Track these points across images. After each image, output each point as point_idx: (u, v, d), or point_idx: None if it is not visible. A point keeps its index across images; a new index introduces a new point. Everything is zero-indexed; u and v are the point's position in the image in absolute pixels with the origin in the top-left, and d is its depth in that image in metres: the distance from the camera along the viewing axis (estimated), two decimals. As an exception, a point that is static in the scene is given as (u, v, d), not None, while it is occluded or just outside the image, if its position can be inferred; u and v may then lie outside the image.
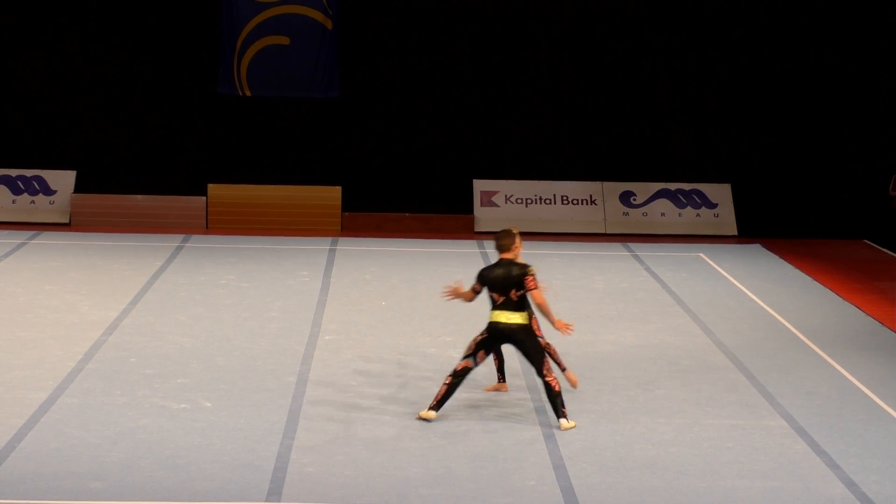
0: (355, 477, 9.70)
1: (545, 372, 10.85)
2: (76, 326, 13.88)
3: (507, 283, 10.87)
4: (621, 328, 14.47)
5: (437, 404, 10.97)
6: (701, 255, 19.12)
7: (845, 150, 21.63)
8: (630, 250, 19.47)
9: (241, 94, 21.15)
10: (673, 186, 21.49)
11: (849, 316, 15.46)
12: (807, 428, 11.06)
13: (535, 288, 10.83)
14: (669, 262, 18.48)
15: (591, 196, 21.47)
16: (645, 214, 21.34)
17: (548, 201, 21.37)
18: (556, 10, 21.54)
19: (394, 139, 21.70)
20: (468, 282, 11.27)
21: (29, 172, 21.25)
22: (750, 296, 16.32)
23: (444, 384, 10.98)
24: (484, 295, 11.07)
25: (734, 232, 21.22)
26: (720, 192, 21.49)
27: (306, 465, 9.91)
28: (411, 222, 20.93)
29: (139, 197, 21.01)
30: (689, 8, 21.52)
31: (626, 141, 21.70)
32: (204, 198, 20.97)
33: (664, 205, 21.39)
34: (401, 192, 21.47)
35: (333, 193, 21.08)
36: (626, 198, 21.44)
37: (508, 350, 11.60)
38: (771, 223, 21.25)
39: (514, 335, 10.88)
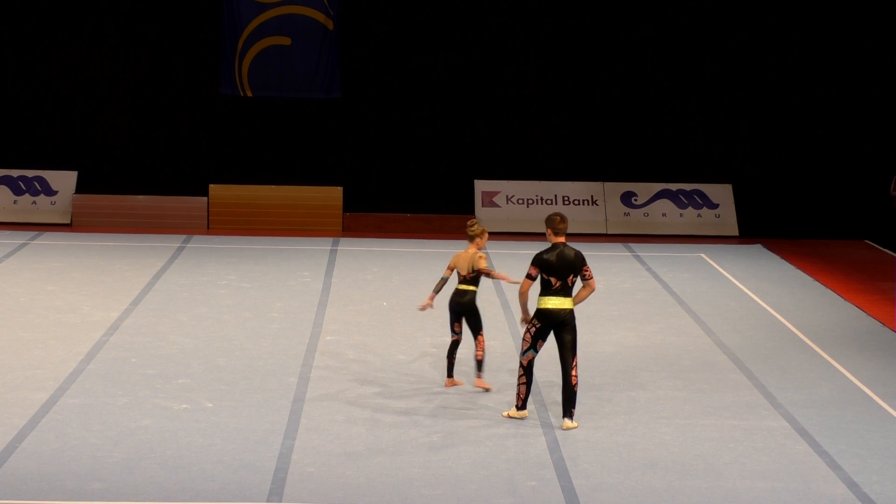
0: (356, 477, 9.70)
1: (574, 365, 10.85)
2: (78, 327, 13.88)
3: (568, 268, 10.86)
4: (623, 328, 14.47)
5: (524, 403, 11.05)
6: (702, 255, 19.12)
7: (846, 151, 21.63)
8: (631, 250, 19.47)
9: (242, 94, 21.16)
10: (674, 187, 21.49)
11: (850, 316, 15.46)
12: (808, 428, 11.06)
13: (592, 276, 10.93)
14: (671, 262, 18.48)
15: (592, 196, 21.47)
16: (646, 215, 21.35)
17: (549, 202, 21.37)
18: (558, 10, 21.54)
19: (395, 140, 21.70)
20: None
21: (30, 173, 21.26)
22: (751, 296, 16.32)
23: (521, 383, 10.98)
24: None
25: (735, 232, 21.22)
26: (721, 193, 21.50)
27: (307, 465, 9.91)
28: (412, 223, 20.94)
29: (140, 197, 21.01)
30: (691, 9, 21.53)
31: (627, 141, 21.70)
32: (205, 198, 20.98)
33: (665, 205, 21.40)
34: (402, 192, 21.48)
35: (335, 194, 21.09)
36: (627, 198, 21.44)
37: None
38: (772, 223, 21.25)
39: (566, 321, 10.86)
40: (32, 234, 19.66)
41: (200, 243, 19.24)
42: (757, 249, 19.78)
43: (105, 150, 21.49)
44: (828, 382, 12.54)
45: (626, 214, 21.35)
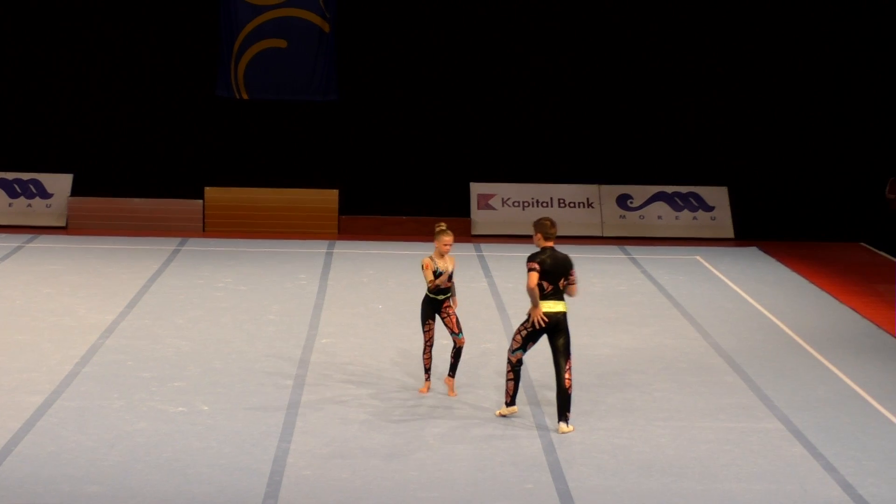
0: (353, 480, 9.70)
1: (567, 368, 10.86)
2: (73, 330, 13.87)
3: (561, 271, 10.90)
4: (619, 331, 14.48)
5: (512, 399, 11.09)
6: (698, 257, 19.13)
7: (842, 153, 21.64)
8: (627, 253, 19.48)
9: (238, 97, 21.15)
10: (670, 189, 21.50)
11: (846, 319, 15.47)
12: (804, 430, 11.07)
13: (576, 282, 10.97)
14: (666, 264, 18.49)
15: (588, 199, 21.47)
16: (642, 217, 21.35)
17: (545, 204, 21.37)
18: (554, 13, 21.55)
19: (391, 142, 21.70)
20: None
21: (26, 176, 21.23)
22: (747, 298, 16.33)
23: (510, 379, 11.04)
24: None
25: (731, 235, 21.23)
26: (717, 195, 21.51)
27: (303, 468, 9.91)
28: (409, 225, 20.94)
29: (136, 200, 21.00)
30: (687, 11, 21.54)
31: (622, 144, 21.71)
32: (201, 201, 20.97)
33: (661, 207, 21.40)
34: (398, 195, 21.48)
35: (331, 196, 21.08)
36: (623, 201, 21.45)
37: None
38: (768, 226, 21.26)
39: (560, 324, 10.88)
40: (28, 236, 19.64)
41: (196, 246, 19.23)
42: (753, 252, 19.80)
43: (101, 152, 21.48)
44: (823, 385, 12.55)
45: (622, 217, 21.36)
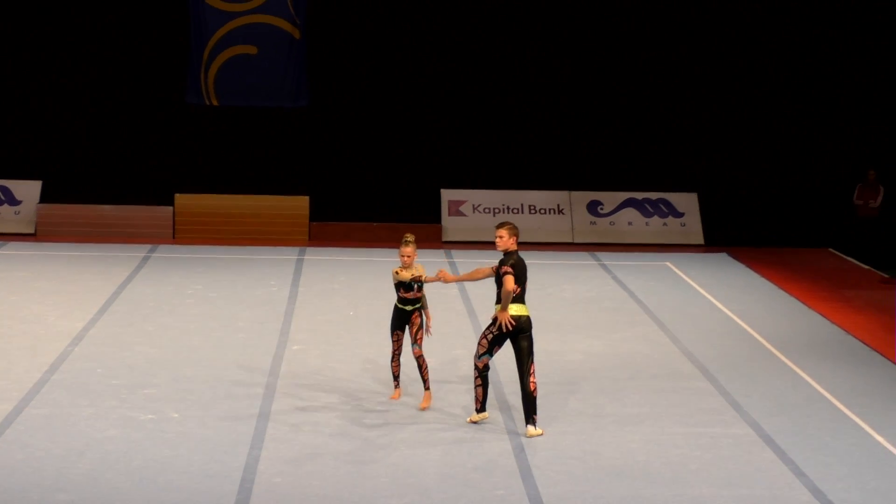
0: (323, 487, 9.69)
1: (531, 371, 10.88)
2: (42, 337, 13.80)
3: (525, 275, 10.98)
4: (589, 337, 14.52)
5: (482, 405, 11.11)
6: (668, 264, 19.21)
7: (810, 160, 21.79)
8: (598, 259, 19.54)
9: (208, 103, 21.11)
10: (640, 196, 21.59)
11: (814, 324, 15.57)
12: (773, 436, 11.13)
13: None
14: (637, 271, 18.55)
15: (558, 205, 21.53)
16: (612, 223, 21.43)
17: (515, 210, 21.42)
18: (525, 22, 21.62)
19: (362, 149, 21.71)
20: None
21: (-6, 182, 21.14)
22: (717, 304, 16.40)
23: (478, 385, 11.06)
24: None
25: (701, 241, 21.33)
26: (687, 202, 21.61)
27: (274, 475, 9.89)
28: (379, 232, 20.93)
29: (106, 207, 20.92)
30: (655, 21, 21.64)
31: (593, 150, 21.79)
32: (171, 207, 20.90)
33: (631, 214, 21.49)
34: (369, 201, 21.48)
35: (301, 203, 21.07)
36: (593, 207, 21.52)
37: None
38: (737, 232, 21.38)
39: (524, 328, 10.92)
40: (-4, 243, 19.54)
41: (166, 253, 19.18)
42: (722, 258, 19.90)
43: (70, 159, 21.39)
44: (793, 390, 12.63)
45: (593, 223, 21.43)
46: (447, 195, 21.53)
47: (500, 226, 11.12)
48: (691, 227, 21.45)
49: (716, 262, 19.58)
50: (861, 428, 11.45)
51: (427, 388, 11.63)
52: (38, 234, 20.68)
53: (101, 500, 9.34)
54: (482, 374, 11.08)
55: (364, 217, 21.23)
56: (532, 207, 21.48)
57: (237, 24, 20.94)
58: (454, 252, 19.88)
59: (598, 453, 10.55)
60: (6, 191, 21.06)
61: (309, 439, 10.71)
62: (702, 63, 21.69)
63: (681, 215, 21.53)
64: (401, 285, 11.61)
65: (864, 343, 14.59)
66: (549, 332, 14.30)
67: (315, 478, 9.86)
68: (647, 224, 21.45)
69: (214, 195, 21.03)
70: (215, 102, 21.10)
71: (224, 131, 21.58)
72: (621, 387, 12.53)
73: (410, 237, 11.75)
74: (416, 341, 11.57)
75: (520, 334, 10.91)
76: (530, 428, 10.89)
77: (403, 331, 11.70)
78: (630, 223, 21.44)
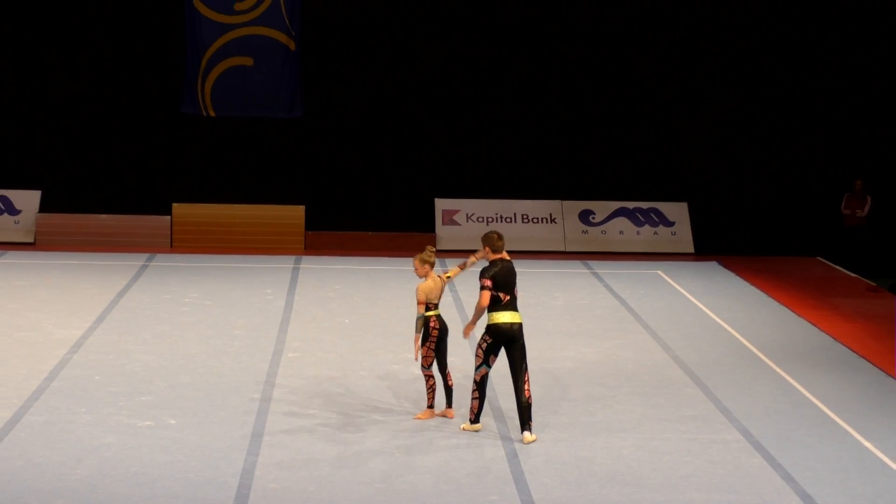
0: (318, 493, 9.78)
1: (525, 379, 10.98)
2: (41, 345, 13.89)
3: (513, 281, 11.05)
4: (581, 344, 14.62)
5: (476, 417, 11.17)
6: (659, 272, 19.32)
7: (799, 170, 21.91)
8: (589, 268, 19.65)
9: (205, 114, 21.22)
10: (631, 205, 21.72)
11: (803, 332, 15.66)
12: (763, 442, 11.23)
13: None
14: (628, 279, 18.66)
15: (550, 214, 21.66)
16: (604, 232, 21.56)
17: (508, 220, 21.54)
18: (516, 32, 21.74)
19: (356, 159, 21.82)
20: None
21: (-7, 192, 21.24)
22: (707, 312, 16.51)
23: (475, 398, 11.11)
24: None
25: (691, 249, 21.46)
26: (677, 211, 21.74)
27: (270, 481, 9.98)
28: (374, 241, 21.05)
29: (104, 216, 21.02)
30: (646, 31, 21.77)
31: (585, 160, 21.91)
32: (168, 217, 21.01)
33: (623, 223, 21.62)
34: (363, 210, 21.59)
35: (297, 212, 21.17)
36: (585, 216, 21.65)
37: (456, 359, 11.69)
38: (727, 241, 21.49)
39: (517, 336, 11.01)
40: (-6, 252, 19.63)
41: (164, 262, 19.27)
42: (712, 266, 20.00)
43: (68, 169, 21.49)
44: (782, 396, 12.73)
45: (584, 232, 21.56)
46: (441, 204, 21.64)
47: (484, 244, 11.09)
48: (682, 235, 21.58)
49: (706, 270, 19.68)
50: (849, 434, 11.54)
51: (430, 406, 11.62)
52: (38, 244, 20.78)
53: (100, 505, 9.43)
54: (479, 387, 11.13)
55: (359, 226, 21.34)
56: (524, 216, 21.60)
57: (233, 36, 21.06)
58: (448, 261, 19.99)
59: (590, 459, 10.65)
60: (6, 200, 21.15)
61: (305, 445, 10.81)
62: (692, 74, 21.83)
63: (671, 224, 21.66)
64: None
65: (852, 350, 14.70)
66: (541, 339, 14.40)
67: (310, 483, 9.95)
68: (638, 233, 21.58)
69: (211, 205, 21.14)
70: (212, 113, 21.22)
71: (220, 142, 21.69)
72: (612, 393, 12.63)
73: (430, 248, 11.70)
74: (417, 358, 11.58)
75: (513, 342, 11.01)
76: (526, 434, 10.99)
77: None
78: (621, 232, 21.57)
